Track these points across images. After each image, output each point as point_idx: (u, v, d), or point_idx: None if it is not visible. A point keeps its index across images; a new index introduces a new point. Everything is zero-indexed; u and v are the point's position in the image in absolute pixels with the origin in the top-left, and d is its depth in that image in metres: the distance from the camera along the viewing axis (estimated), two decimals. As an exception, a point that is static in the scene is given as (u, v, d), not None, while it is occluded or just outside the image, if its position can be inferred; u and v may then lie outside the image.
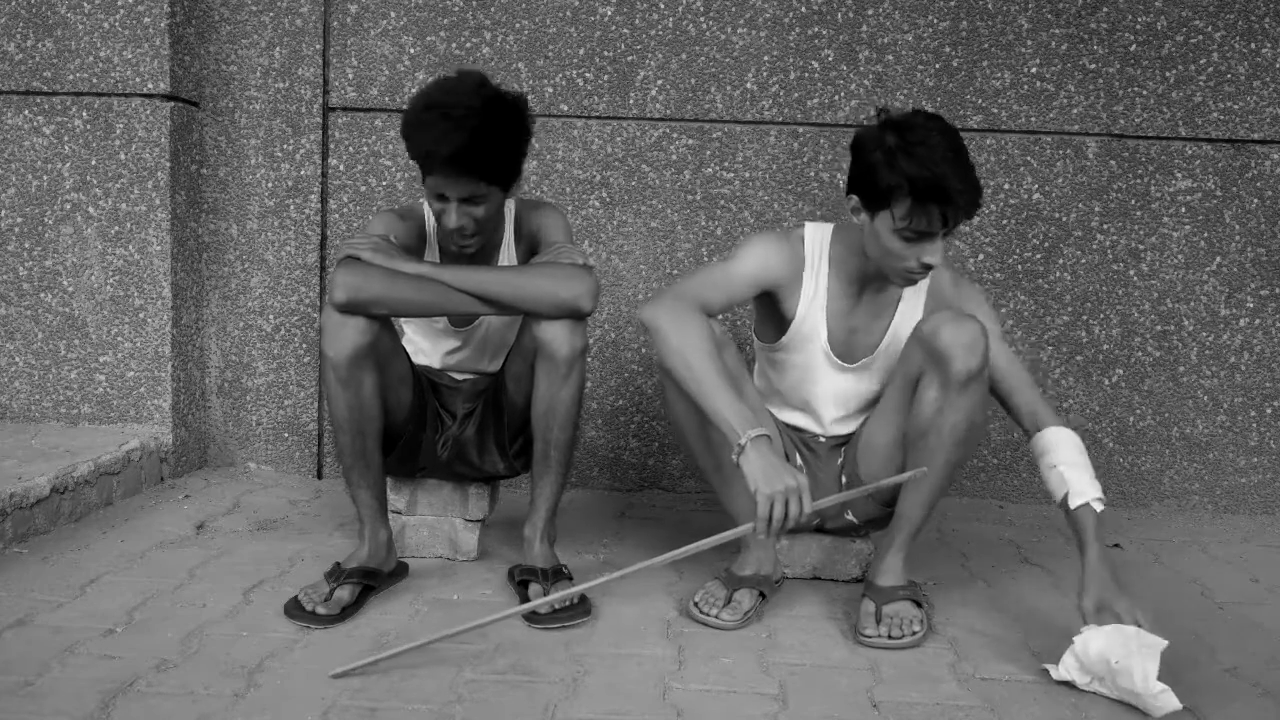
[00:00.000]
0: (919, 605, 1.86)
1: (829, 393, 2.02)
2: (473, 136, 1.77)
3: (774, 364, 2.05)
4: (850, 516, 2.05)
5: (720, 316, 1.96)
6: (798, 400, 2.05)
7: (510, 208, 2.07)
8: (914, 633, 1.80)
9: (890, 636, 1.79)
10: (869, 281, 1.93)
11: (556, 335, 1.86)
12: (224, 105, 2.80)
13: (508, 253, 2.06)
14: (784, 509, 1.62)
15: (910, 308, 1.97)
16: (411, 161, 1.92)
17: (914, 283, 1.85)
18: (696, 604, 1.89)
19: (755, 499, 1.63)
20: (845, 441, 2.08)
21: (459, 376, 2.16)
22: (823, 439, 2.08)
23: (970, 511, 2.75)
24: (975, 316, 1.80)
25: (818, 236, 1.96)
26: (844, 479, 2.04)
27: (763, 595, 1.93)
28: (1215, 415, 2.82)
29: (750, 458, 1.66)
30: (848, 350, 1.98)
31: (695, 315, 1.80)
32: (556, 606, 1.84)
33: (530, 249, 2.05)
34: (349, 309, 1.81)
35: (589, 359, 2.77)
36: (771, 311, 1.99)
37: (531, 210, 2.07)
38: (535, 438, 1.97)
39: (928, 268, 1.78)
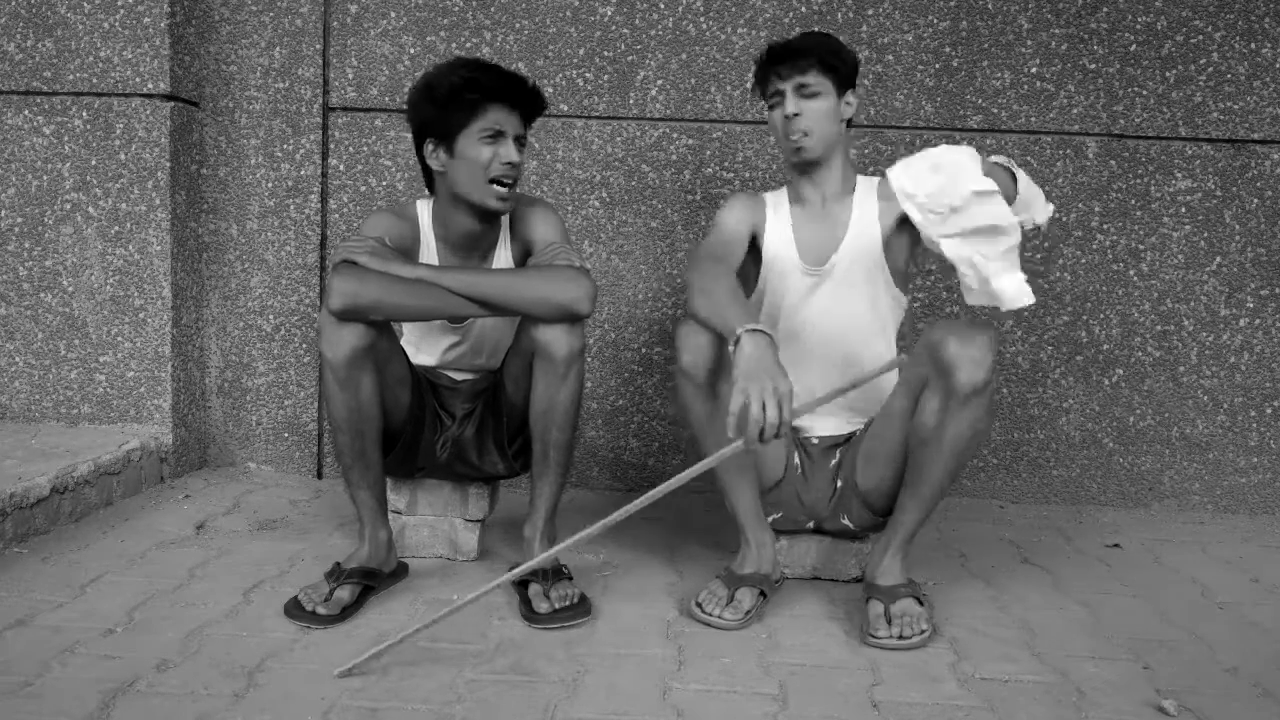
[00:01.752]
0: (921, 603, 1.87)
1: (810, 312, 2.06)
2: (519, 76, 1.94)
3: (761, 303, 2.11)
4: (846, 521, 2.05)
5: None
6: (786, 331, 2.06)
7: None
8: (922, 631, 1.80)
9: (901, 637, 1.79)
10: (828, 196, 2.06)
11: (554, 336, 1.86)
12: (224, 105, 2.80)
13: (503, 250, 2.06)
14: (760, 409, 1.55)
15: (865, 213, 2.05)
16: (412, 161, 1.92)
17: (800, 151, 1.99)
18: (699, 604, 1.89)
19: (733, 389, 1.59)
20: (841, 443, 2.08)
21: (458, 377, 2.16)
22: (815, 440, 2.08)
23: (970, 511, 2.75)
24: (986, 330, 1.79)
25: (773, 193, 2.16)
26: (838, 482, 2.04)
27: (763, 594, 1.93)
28: (1215, 415, 2.82)
29: (744, 348, 1.62)
30: (817, 255, 2.06)
31: (721, 263, 1.92)
32: (557, 606, 1.84)
33: (524, 248, 2.05)
34: (346, 315, 1.81)
35: (588, 359, 2.78)
36: (756, 259, 2.11)
37: (525, 208, 2.06)
38: (534, 438, 1.97)
39: (792, 118, 1.97)
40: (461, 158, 1.92)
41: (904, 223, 2.00)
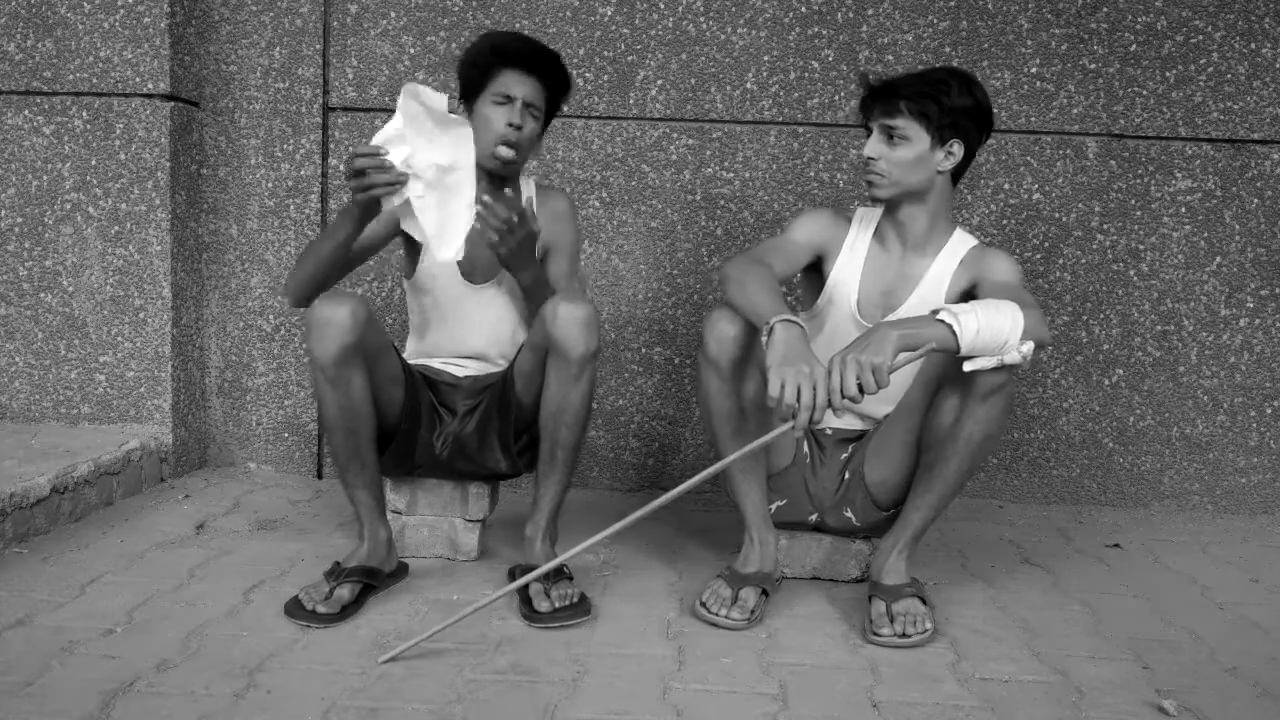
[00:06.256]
0: (925, 602, 1.87)
1: None
2: (544, 46, 2.02)
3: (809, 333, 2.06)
4: (849, 514, 2.05)
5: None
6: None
7: (530, 185, 2.16)
8: (925, 630, 1.80)
9: (904, 635, 1.79)
10: (909, 244, 1.99)
11: (570, 334, 1.86)
12: (224, 105, 2.80)
13: None
14: (796, 393, 1.57)
15: (939, 273, 1.98)
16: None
17: (870, 186, 1.94)
18: (704, 604, 1.89)
19: (768, 375, 1.61)
20: (854, 439, 2.08)
21: (459, 373, 2.15)
22: (829, 431, 2.08)
23: (970, 511, 2.75)
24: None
25: (868, 211, 2.07)
26: (846, 475, 2.04)
27: (765, 592, 1.93)
28: (1215, 415, 2.82)
29: (777, 336, 1.64)
30: (873, 313, 2.00)
31: (760, 264, 1.86)
32: (557, 606, 1.84)
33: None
34: (299, 304, 1.96)
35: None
36: (815, 279, 2.08)
37: (545, 198, 2.14)
38: (542, 437, 1.97)
39: (868, 161, 1.93)
40: (478, 117, 2.00)
41: (968, 295, 1.95)
